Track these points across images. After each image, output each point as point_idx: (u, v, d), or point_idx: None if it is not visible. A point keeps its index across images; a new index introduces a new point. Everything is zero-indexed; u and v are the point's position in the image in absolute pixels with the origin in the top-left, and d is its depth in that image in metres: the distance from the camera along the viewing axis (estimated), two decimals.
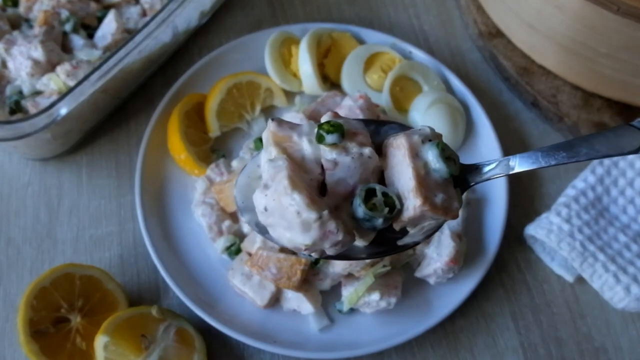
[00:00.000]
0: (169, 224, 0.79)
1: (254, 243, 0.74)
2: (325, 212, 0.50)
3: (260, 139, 0.83)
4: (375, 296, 0.71)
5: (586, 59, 0.81)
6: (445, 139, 0.81)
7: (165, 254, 0.76)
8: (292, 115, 0.81)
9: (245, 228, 0.78)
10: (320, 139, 0.54)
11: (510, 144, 0.87)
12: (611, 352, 0.75)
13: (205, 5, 0.91)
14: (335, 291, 0.75)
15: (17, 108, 0.80)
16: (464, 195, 0.59)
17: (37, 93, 0.81)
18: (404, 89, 0.87)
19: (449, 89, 0.88)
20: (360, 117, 0.77)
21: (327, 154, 0.54)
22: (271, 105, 0.88)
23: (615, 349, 0.76)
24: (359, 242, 0.56)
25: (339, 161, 0.53)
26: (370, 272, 0.71)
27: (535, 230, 0.77)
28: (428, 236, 0.58)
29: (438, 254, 0.73)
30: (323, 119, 0.56)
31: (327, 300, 0.75)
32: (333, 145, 0.54)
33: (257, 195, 0.53)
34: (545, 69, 0.89)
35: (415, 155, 0.54)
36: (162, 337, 0.70)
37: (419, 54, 0.90)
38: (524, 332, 0.76)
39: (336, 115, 0.57)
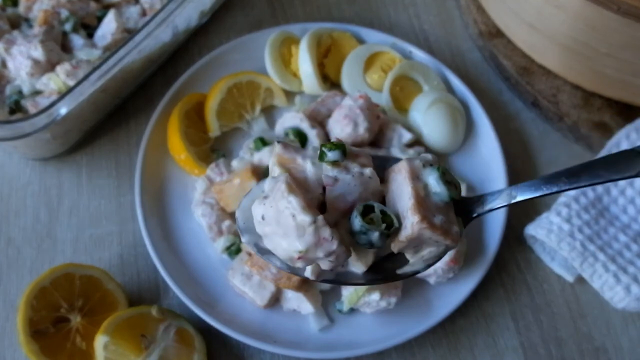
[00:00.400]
0: (169, 224, 0.79)
1: None
2: (320, 217, 0.51)
3: (260, 139, 0.83)
4: (375, 296, 0.71)
5: (587, 58, 0.81)
6: (445, 139, 0.83)
7: (165, 254, 0.76)
8: (292, 115, 0.81)
9: None
10: (321, 157, 0.55)
11: (510, 144, 0.87)
12: (611, 352, 0.75)
13: (205, 4, 0.91)
14: (335, 291, 0.75)
15: (17, 108, 0.80)
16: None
17: (37, 93, 0.81)
18: (404, 89, 0.87)
19: (449, 88, 0.88)
20: (361, 117, 0.77)
21: (329, 171, 0.55)
22: (271, 105, 0.88)
23: (615, 349, 0.76)
24: (357, 268, 0.56)
25: (340, 178, 0.54)
26: None
27: (535, 230, 0.77)
28: (429, 265, 0.58)
29: None
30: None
31: (327, 300, 0.75)
32: (334, 163, 0.55)
33: (255, 205, 0.53)
34: (545, 69, 0.89)
35: (415, 177, 0.55)
36: (162, 337, 0.70)
37: (419, 54, 0.90)
38: (524, 332, 0.76)
39: (341, 142, 0.58)
